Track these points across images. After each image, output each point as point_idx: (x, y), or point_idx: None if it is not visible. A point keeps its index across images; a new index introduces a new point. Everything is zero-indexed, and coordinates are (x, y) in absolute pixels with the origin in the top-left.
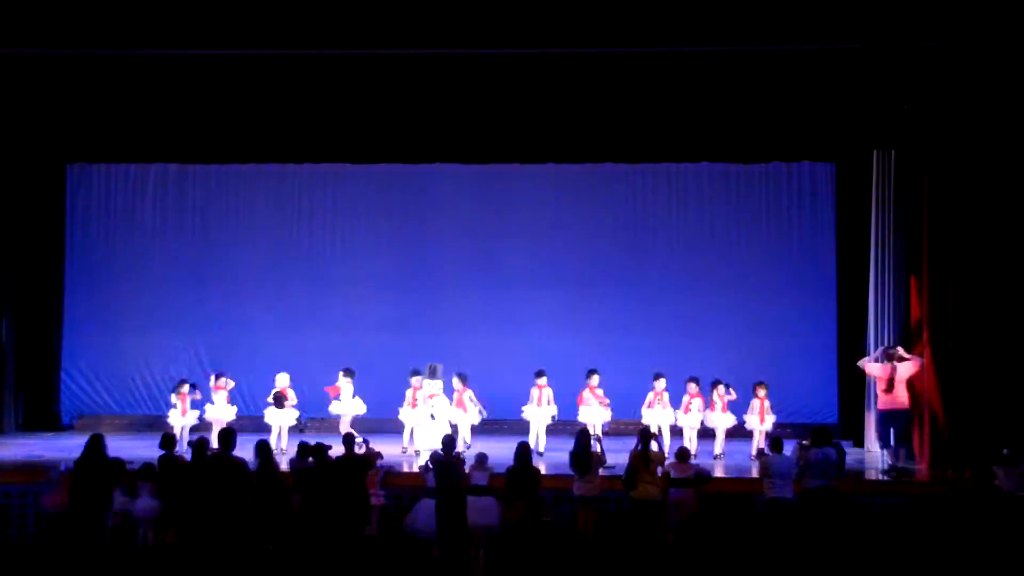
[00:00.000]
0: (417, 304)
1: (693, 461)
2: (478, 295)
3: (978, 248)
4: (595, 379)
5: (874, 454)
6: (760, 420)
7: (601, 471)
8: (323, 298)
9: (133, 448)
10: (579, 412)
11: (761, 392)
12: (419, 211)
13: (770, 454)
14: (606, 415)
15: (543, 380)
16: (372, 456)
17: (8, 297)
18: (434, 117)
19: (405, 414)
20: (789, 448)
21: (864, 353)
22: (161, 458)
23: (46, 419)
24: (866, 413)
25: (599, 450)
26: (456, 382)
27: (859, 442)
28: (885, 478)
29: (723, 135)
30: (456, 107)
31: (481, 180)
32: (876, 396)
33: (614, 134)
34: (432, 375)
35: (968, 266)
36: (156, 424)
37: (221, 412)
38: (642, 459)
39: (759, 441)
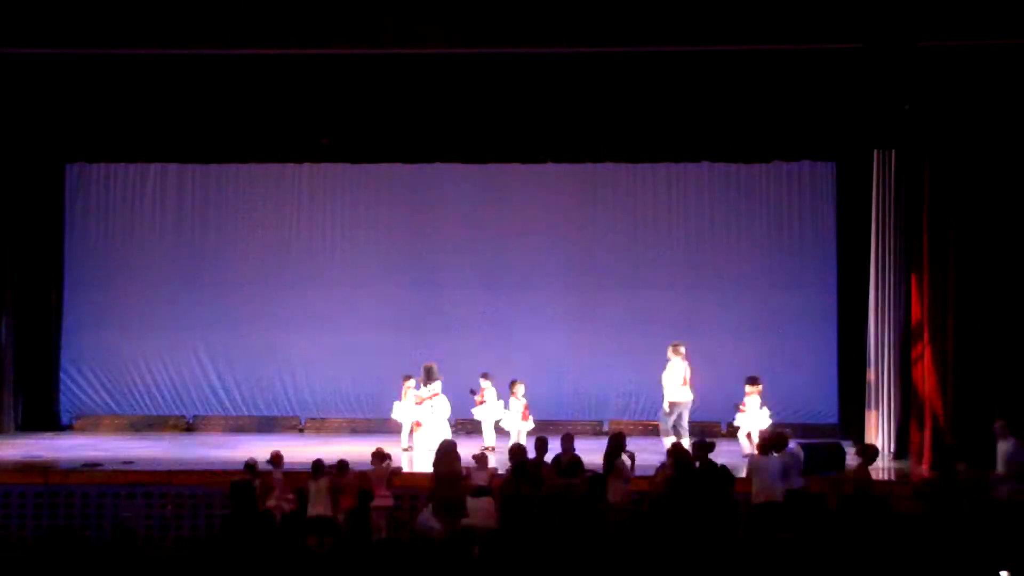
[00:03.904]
0: (417, 304)
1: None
2: (478, 295)
3: (979, 247)
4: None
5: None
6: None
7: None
8: (323, 298)
9: (133, 448)
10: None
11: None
12: (419, 211)
13: (757, 455)
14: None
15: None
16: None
17: (8, 297)
18: (434, 117)
19: (399, 412)
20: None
21: (865, 355)
22: None
23: (46, 419)
24: (866, 411)
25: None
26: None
27: (859, 442)
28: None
29: (723, 135)
30: (456, 107)
31: (481, 180)
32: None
33: (614, 134)
34: (429, 377)
35: (969, 265)
36: (156, 424)
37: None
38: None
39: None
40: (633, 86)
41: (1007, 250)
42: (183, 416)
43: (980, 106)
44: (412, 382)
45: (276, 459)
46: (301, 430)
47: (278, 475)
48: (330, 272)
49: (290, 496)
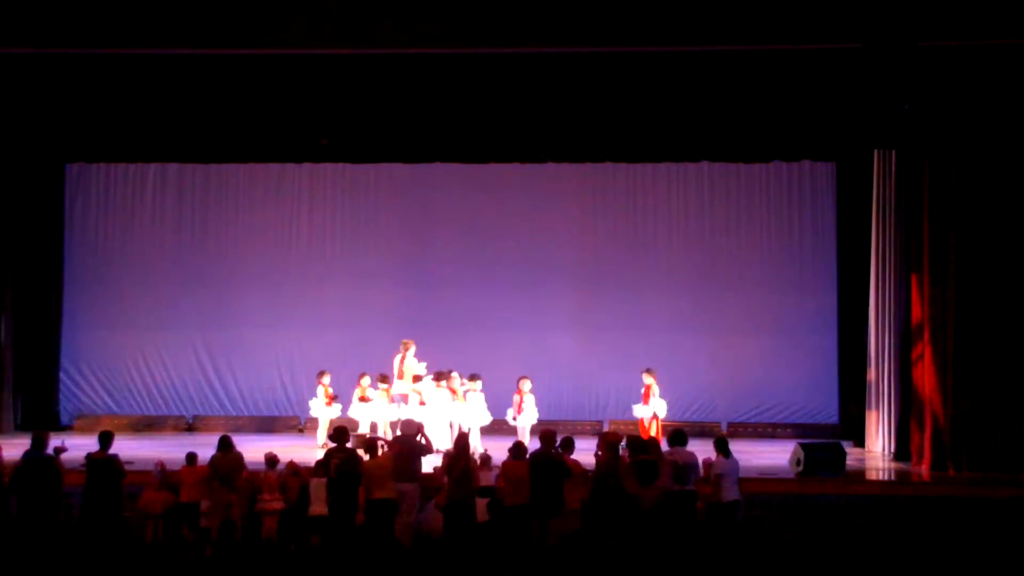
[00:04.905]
0: (416, 303)
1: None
2: (477, 294)
3: (979, 247)
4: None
5: (875, 454)
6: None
7: None
8: (322, 298)
9: (133, 448)
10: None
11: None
12: (419, 211)
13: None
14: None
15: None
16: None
17: (8, 297)
18: (434, 117)
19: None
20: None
21: (865, 355)
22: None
23: (45, 419)
24: (866, 411)
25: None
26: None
27: (860, 442)
28: None
29: (723, 135)
30: (456, 107)
31: (481, 180)
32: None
33: (614, 134)
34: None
35: (969, 265)
36: (155, 424)
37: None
38: None
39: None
40: (633, 86)
41: (1007, 250)
42: (183, 416)
43: (980, 106)
44: (367, 379)
45: (271, 460)
46: (301, 430)
47: (272, 476)
48: (330, 272)
49: (278, 496)
